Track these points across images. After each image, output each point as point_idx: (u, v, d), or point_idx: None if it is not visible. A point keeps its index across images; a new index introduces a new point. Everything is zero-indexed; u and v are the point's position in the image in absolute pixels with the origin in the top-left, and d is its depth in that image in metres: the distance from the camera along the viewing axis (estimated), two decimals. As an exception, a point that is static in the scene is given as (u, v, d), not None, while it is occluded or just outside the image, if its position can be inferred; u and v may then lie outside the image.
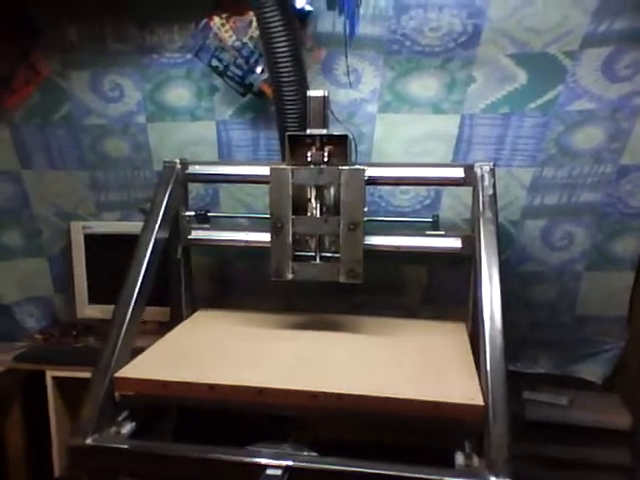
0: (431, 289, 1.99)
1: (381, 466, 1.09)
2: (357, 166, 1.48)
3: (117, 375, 1.29)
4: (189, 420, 1.55)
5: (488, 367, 1.20)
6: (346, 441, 1.45)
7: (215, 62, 1.80)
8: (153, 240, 1.52)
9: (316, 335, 1.58)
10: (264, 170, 1.53)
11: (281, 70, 1.62)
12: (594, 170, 1.79)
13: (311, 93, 1.50)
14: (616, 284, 1.89)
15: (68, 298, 2.18)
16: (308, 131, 1.49)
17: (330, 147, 1.47)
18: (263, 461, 1.11)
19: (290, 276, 1.51)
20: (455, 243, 1.58)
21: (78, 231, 2.07)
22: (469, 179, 1.55)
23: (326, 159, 1.46)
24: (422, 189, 1.88)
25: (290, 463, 1.11)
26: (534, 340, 1.98)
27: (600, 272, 1.89)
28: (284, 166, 1.48)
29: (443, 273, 1.95)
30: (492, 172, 1.52)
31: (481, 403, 1.15)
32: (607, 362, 1.96)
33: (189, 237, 1.72)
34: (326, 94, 1.48)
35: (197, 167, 1.69)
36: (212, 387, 1.25)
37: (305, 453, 1.19)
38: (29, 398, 2.04)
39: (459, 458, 1.15)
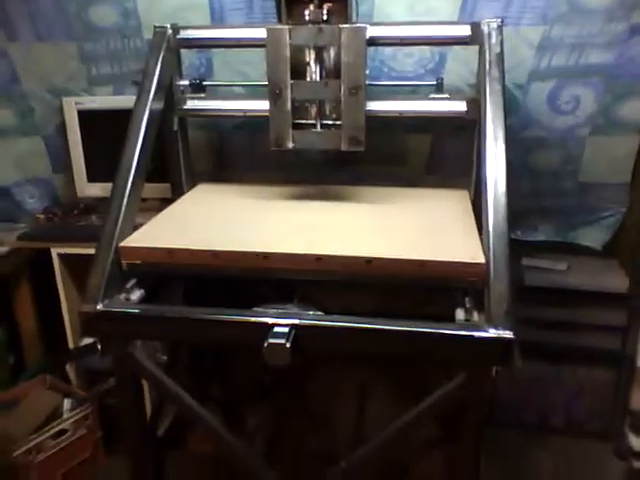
0: (434, 159, 1.96)
1: (385, 322, 1.13)
2: (358, 25, 1.41)
3: (122, 245, 1.30)
4: (196, 292, 1.58)
5: (490, 227, 1.20)
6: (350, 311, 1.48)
7: None
8: (148, 111, 1.47)
9: (318, 205, 1.58)
10: (260, 32, 1.45)
11: None
12: (605, 29, 1.70)
13: (308, -58, 1.39)
14: (620, 149, 1.85)
15: (67, 178, 2.16)
16: (306, -13, 1.40)
17: (329, 4, 1.39)
18: (270, 320, 1.14)
19: (290, 145, 1.49)
20: (460, 106, 1.53)
21: (71, 107, 2.01)
22: (475, 37, 1.47)
23: (325, 17, 1.39)
24: (426, 52, 1.80)
25: (296, 321, 1.13)
26: (536, 208, 1.98)
27: (604, 136, 1.84)
28: (281, 26, 1.40)
29: (447, 142, 1.91)
30: (500, 29, 1.44)
31: (482, 261, 1.17)
32: (607, 228, 1.98)
33: (185, 107, 1.66)
34: (324, -56, 1.38)
35: (189, 32, 1.60)
36: (216, 254, 1.26)
37: (311, 312, 1.22)
38: (37, 276, 2.08)
39: (459, 313, 1.18)
